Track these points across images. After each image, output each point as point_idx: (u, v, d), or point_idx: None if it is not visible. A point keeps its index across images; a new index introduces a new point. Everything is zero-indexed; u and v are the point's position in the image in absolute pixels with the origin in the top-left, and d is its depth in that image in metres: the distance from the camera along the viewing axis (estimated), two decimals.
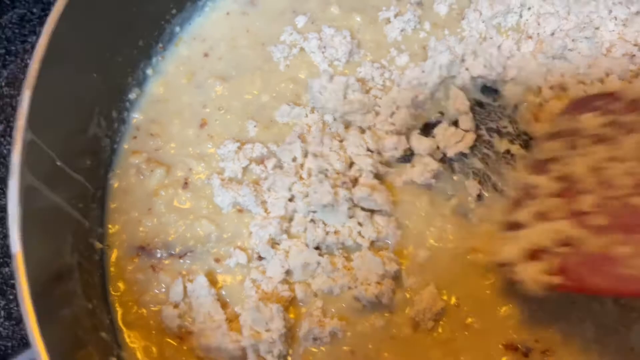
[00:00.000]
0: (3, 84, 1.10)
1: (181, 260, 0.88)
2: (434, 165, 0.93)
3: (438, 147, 0.96)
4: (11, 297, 0.95)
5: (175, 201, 0.92)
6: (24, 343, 0.88)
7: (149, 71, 1.00)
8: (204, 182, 0.93)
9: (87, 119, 0.88)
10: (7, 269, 0.96)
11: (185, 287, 0.85)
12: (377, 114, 0.97)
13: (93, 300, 0.81)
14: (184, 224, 0.90)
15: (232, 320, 0.84)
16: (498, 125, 0.99)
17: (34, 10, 1.16)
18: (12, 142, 0.69)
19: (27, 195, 0.69)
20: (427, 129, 0.98)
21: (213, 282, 0.86)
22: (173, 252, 0.88)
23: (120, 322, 0.85)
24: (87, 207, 0.85)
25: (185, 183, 0.93)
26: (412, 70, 0.99)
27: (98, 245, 0.87)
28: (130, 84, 0.97)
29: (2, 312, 0.94)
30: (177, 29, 1.03)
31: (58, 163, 0.78)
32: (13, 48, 1.14)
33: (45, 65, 0.75)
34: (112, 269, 0.87)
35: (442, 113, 1.00)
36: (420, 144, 0.95)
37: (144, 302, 0.86)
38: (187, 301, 0.85)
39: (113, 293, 0.86)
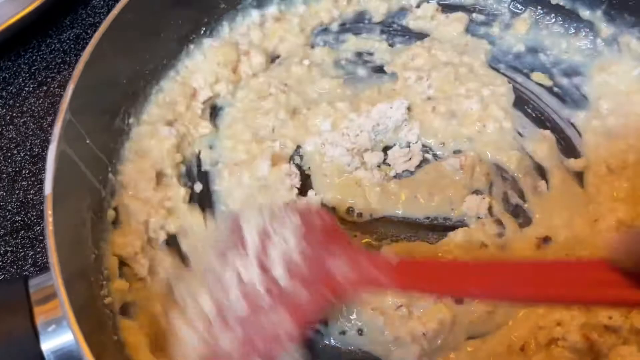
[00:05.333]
0: (56, 85, 1.38)
1: None
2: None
3: (389, 165, 1.19)
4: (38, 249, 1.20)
5: None
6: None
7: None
8: None
9: (114, 114, 1.11)
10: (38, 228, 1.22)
11: None
12: (343, 134, 1.20)
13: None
14: None
15: None
16: None
17: (88, 31, 1.44)
18: (55, 118, 0.95)
19: (61, 157, 0.92)
20: (384, 151, 1.21)
21: None
22: None
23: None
24: (105, 179, 1.07)
25: None
26: (383, 104, 1.22)
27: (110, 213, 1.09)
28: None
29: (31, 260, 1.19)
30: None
31: (87, 141, 1.02)
32: (68, 59, 1.41)
33: (86, 68, 1.00)
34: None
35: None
36: (371, 158, 1.18)
37: None
38: None
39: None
